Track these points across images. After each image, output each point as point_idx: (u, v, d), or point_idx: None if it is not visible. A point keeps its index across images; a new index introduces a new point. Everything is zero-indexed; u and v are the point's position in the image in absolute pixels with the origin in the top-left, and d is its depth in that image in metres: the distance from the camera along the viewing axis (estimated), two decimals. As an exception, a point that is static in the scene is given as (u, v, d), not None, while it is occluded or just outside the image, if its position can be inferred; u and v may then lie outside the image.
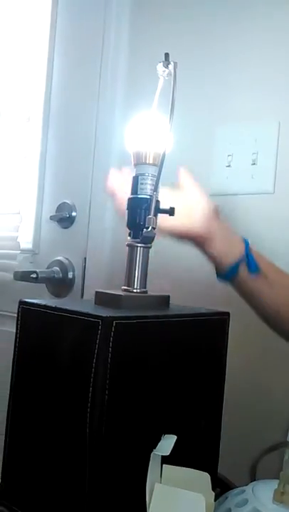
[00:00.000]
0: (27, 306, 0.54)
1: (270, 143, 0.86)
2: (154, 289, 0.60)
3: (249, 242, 0.65)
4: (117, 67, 1.10)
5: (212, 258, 0.65)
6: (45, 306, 0.52)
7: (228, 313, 0.62)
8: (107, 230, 1.10)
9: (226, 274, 0.65)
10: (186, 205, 0.63)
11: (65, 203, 1.19)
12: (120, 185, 0.64)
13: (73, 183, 1.18)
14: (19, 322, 0.54)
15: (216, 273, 0.66)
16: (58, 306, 0.51)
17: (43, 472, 0.50)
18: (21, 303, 0.54)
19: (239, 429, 0.80)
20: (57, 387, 0.49)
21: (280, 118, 0.86)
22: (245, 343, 0.84)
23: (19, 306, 0.55)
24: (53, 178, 1.23)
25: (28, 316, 0.54)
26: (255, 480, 0.52)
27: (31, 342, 0.53)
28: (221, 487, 0.59)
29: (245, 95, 0.91)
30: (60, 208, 1.20)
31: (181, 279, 0.91)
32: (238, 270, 0.64)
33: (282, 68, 0.87)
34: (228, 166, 0.91)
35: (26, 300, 0.54)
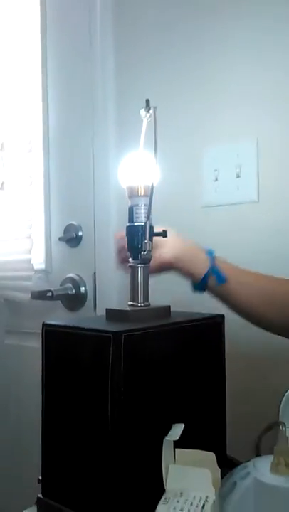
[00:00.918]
0: (49, 327, 0.64)
1: (250, 157, 0.96)
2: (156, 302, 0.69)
3: (214, 253, 0.75)
4: (107, 104, 1.21)
5: (185, 276, 0.75)
6: (64, 327, 0.62)
7: (222, 316, 0.72)
8: (111, 246, 1.20)
9: (198, 286, 0.74)
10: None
11: (71, 224, 1.29)
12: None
13: (77, 205, 1.28)
14: (44, 341, 0.64)
15: (192, 286, 0.76)
16: (75, 325, 0.61)
17: (75, 466, 0.60)
18: (44, 325, 0.64)
19: (244, 415, 0.89)
20: (81, 392, 0.59)
21: (258, 135, 0.96)
22: (242, 337, 0.92)
23: (42, 328, 0.64)
24: (58, 203, 1.33)
25: (51, 335, 0.63)
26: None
27: (56, 357, 0.63)
28: (230, 466, 0.69)
29: (227, 116, 1.01)
30: (68, 229, 1.30)
31: (179, 290, 1.01)
32: (207, 282, 0.73)
33: (259, 89, 0.96)
34: (216, 180, 1.00)
35: (48, 322, 0.64)
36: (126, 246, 0.70)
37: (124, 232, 0.70)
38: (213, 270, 0.73)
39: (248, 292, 0.74)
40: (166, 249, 0.74)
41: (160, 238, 0.69)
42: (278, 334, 0.77)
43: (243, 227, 0.96)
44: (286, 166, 0.93)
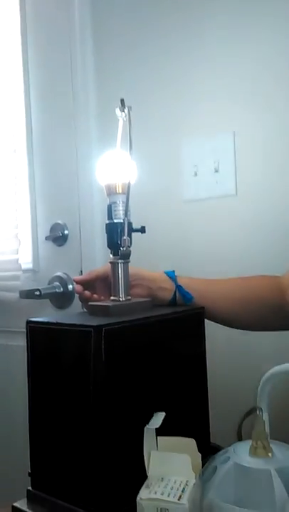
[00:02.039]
0: (33, 324, 0.65)
1: (228, 151, 0.98)
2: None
3: (174, 273, 0.77)
4: (88, 105, 1.23)
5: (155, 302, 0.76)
6: (47, 323, 0.63)
7: (202, 308, 0.74)
8: (97, 244, 1.22)
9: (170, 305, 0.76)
10: None
11: (57, 223, 1.30)
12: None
13: (62, 204, 1.30)
14: (28, 338, 0.66)
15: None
16: (58, 321, 0.62)
17: (61, 458, 0.62)
18: (28, 322, 0.66)
19: (226, 404, 0.92)
20: (65, 386, 0.61)
21: (234, 128, 0.98)
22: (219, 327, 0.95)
23: (27, 325, 0.66)
24: (44, 202, 1.34)
25: (35, 332, 0.65)
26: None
27: (40, 352, 0.65)
28: (215, 453, 0.71)
29: (204, 112, 1.03)
30: (54, 228, 1.31)
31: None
32: (176, 301, 0.76)
33: (235, 82, 0.98)
34: (195, 175, 1.02)
35: (32, 319, 0.65)
36: (83, 290, 0.75)
37: (82, 277, 0.75)
38: (179, 289, 0.75)
39: (220, 304, 0.77)
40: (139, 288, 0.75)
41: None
42: (261, 330, 0.80)
43: (223, 220, 0.98)
44: (262, 159, 0.96)
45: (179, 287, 0.75)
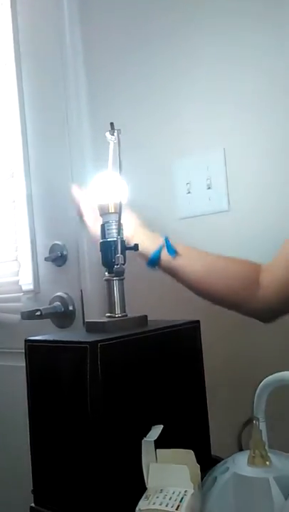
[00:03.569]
0: (31, 342, 0.67)
1: (219, 168, 1.01)
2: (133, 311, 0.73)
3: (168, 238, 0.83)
4: (82, 128, 1.27)
5: (142, 254, 0.83)
6: (45, 341, 0.65)
7: (198, 321, 0.75)
8: (95, 263, 1.24)
9: (151, 259, 0.83)
10: None
11: (56, 244, 1.33)
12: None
13: (60, 225, 1.32)
14: (27, 356, 0.67)
15: (146, 263, 0.85)
16: (56, 339, 0.64)
17: (62, 473, 0.63)
18: (27, 341, 0.67)
19: (227, 415, 0.92)
20: (63, 402, 0.62)
21: (224, 145, 1.01)
22: (217, 341, 0.96)
23: (25, 343, 0.68)
24: (42, 224, 1.37)
25: (33, 350, 0.67)
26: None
27: (39, 369, 0.66)
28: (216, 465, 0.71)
29: (194, 129, 1.06)
30: (53, 248, 1.34)
31: (156, 298, 1.05)
32: (160, 255, 0.82)
33: (224, 100, 1.02)
34: (188, 192, 1.05)
35: (30, 338, 0.67)
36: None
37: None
38: (166, 243, 0.82)
39: (195, 267, 0.83)
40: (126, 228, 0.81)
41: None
42: (219, 304, 0.84)
43: (216, 236, 1.00)
44: (252, 174, 0.98)
45: (166, 240, 0.83)
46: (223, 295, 0.82)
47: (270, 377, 0.66)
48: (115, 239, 0.70)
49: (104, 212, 0.72)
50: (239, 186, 1.00)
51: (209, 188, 1.02)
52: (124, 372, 0.62)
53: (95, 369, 0.58)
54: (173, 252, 0.82)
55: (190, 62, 1.06)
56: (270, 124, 0.96)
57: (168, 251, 0.82)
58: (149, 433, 0.59)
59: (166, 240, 0.83)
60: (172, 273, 0.84)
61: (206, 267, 0.83)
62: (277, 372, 0.65)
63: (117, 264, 0.69)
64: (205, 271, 0.83)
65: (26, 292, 1.37)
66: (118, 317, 0.71)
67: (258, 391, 0.65)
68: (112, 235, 0.71)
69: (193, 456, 0.59)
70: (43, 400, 0.65)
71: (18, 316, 1.29)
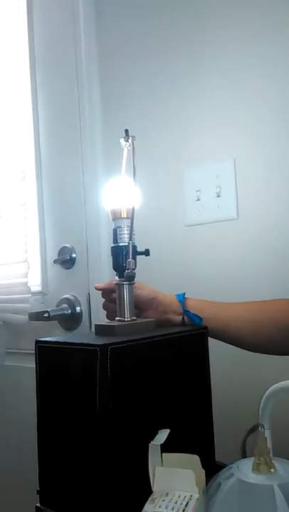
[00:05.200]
0: (42, 343, 0.68)
1: (229, 177, 1.02)
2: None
3: (184, 297, 0.78)
4: (94, 134, 1.28)
5: (161, 319, 0.79)
6: (56, 342, 0.66)
7: (206, 327, 0.76)
8: (104, 266, 1.25)
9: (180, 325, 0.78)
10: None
11: (65, 246, 1.34)
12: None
13: (70, 228, 1.34)
14: (37, 357, 0.68)
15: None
16: (66, 340, 0.65)
17: (69, 474, 0.64)
18: (37, 342, 0.68)
19: (231, 421, 0.93)
20: (72, 404, 0.63)
21: (234, 155, 1.02)
22: (223, 347, 0.97)
23: (36, 344, 0.69)
24: (52, 227, 1.39)
25: (44, 351, 0.68)
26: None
27: (48, 371, 0.67)
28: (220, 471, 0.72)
29: (205, 140, 1.07)
30: (62, 251, 1.35)
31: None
32: (186, 323, 0.78)
33: (234, 112, 1.03)
34: (198, 200, 1.06)
35: (41, 339, 0.68)
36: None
37: (103, 284, 0.78)
38: (188, 315, 0.77)
39: (233, 326, 0.78)
40: (144, 288, 0.78)
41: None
42: (274, 354, 0.80)
43: (225, 243, 1.01)
44: (262, 183, 0.99)
45: (186, 311, 0.77)
46: (267, 347, 0.78)
47: (276, 385, 0.66)
48: (127, 244, 0.71)
49: (116, 217, 0.73)
50: (248, 195, 1.01)
51: (219, 196, 1.03)
52: (133, 375, 0.63)
53: (105, 372, 0.59)
54: (197, 320, 0.76)
55: (202, 72, 1.08)
56: (280, 134, 0.97)
57: (192, 321, 0.77)
58: (156, 437, 0.59)
59: (187, 313, 0.77)
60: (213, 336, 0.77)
61: (242, 322, 0.77)
62: (283, 380, 0.66)
63: (128, 269, 0.70)
64: (242, 327, 0.77)
65: (34, 293, 1.38)
66: (128, 321, 0.71)
67: (263, 399, 0.66)
68: (124, 239, 0.72)
69: (199, 461, 0.60)
70: (51, 400, 0.66)
71: (26, 317, 1.30)
